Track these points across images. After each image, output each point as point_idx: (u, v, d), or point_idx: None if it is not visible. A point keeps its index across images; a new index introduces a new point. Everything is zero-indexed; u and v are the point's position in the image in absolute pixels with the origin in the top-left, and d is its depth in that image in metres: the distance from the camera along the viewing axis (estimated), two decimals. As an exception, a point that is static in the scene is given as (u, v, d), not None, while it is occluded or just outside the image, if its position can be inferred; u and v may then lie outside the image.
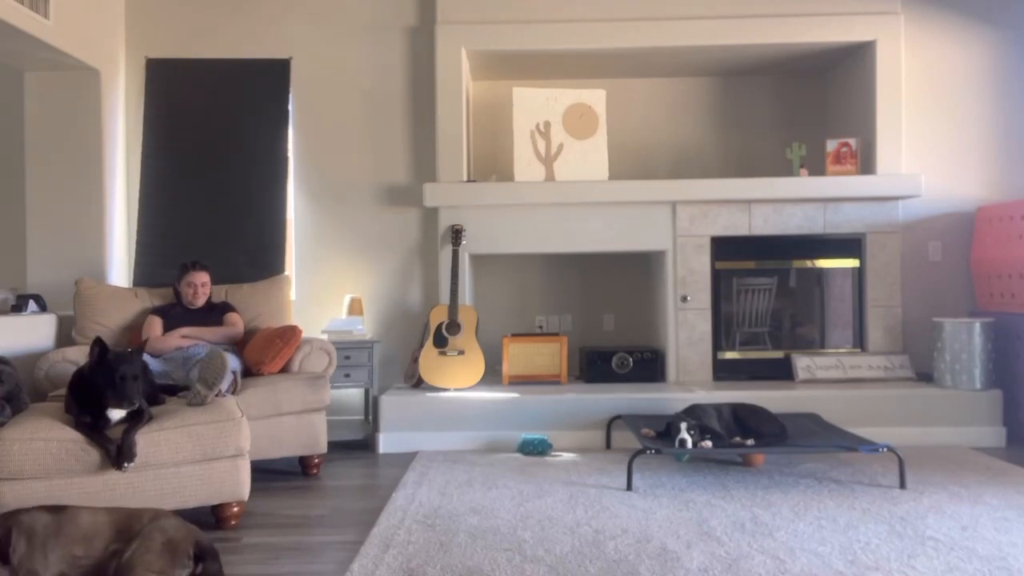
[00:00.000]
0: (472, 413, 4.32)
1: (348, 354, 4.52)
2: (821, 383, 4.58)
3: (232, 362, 3.65)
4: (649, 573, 2.49)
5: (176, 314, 4.09)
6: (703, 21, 4.77)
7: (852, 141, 4.82)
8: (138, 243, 4.69)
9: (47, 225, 4.75)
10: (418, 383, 4.59)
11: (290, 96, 4.92)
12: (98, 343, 2.86)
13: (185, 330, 3.98)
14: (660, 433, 3.71)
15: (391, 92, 5.11)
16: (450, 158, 4.84)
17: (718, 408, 3.80)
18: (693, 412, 3.72)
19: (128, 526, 2.34)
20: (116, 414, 2.85)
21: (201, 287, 4.12)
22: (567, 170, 4.83)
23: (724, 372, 4.80)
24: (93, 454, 2.77)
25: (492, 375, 4.90)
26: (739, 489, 3.40)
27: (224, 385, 3.22)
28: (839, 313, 4.94)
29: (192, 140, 4.82)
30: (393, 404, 4.34)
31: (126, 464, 2.77)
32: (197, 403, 3.06)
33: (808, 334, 4.97)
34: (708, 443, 3.52)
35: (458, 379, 4.53)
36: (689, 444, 3.50)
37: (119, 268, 4.96)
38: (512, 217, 4.79)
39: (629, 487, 3.44)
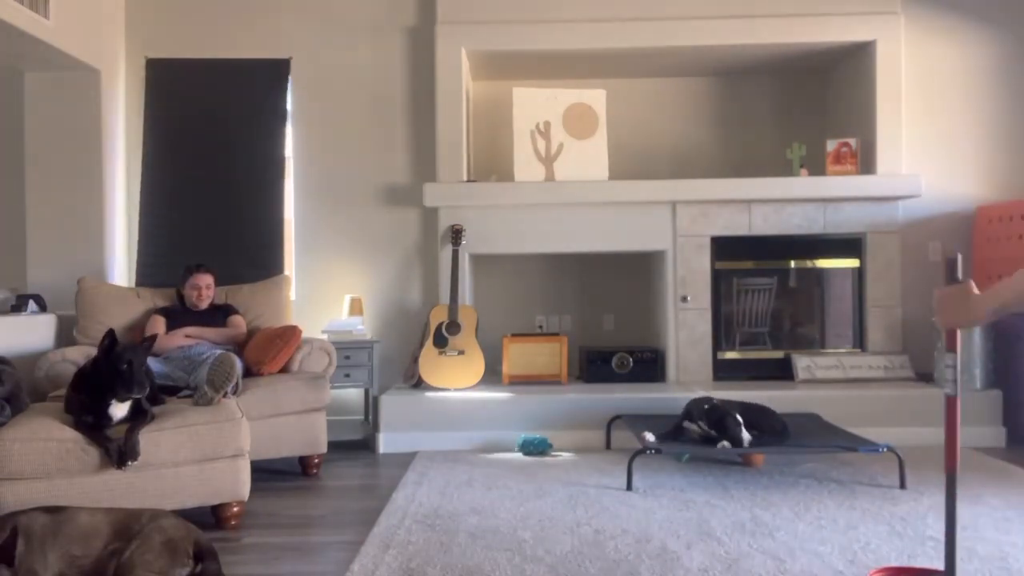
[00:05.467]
0: (472, 413, 4.32)
1: (348, 354, 4.51)
2: (821, 383, 4.58)
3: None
4: (649, 573, 2.49)
5: (180, 315, 4.09)
6: (703, 21, 4.77)
7: (852, 141, 4.82)
8: (139, 243, 4.69)
9: (47, 225, 4.75)
10: (418, 383, 4.59)
11: (290, 96, 4.92)
12: (109, 335, 2.87)
13: (189, 330, 3.99)
14: (667, 434, 3.71)
15: (391, 92, 5.11)
16: (450, 158, 4.84)
17: (727, 404, 3.79)
18: (710, 401, 3.70)
19: (127, 526, 2.34)
20: (118, 413, 2.85)
21: (205, 289, 4.12)
22: (567, 170, 4.83)
23: (724, 372, 4.80)
24: (93, 454, 2.77)
25: (492, 375, 4.90)
26: (739, 489, 3.40)
27: (230, 387, 3.23)
28: (839, 313, 4.94)
29: (192, 140, 4.82)
30: (393, 404, 4.34)
31: (129, 462, 2.77)
32: (204, 403, 3.07)
33: (808, 334, 4.97)
34: (727, 443, 3.51)
35: (458, 379, 4.53)
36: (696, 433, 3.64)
37: (119, 268, 4.96)
38: (512, 217, 4.79)
39: (629, 487, 3.44)
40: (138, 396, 2.85)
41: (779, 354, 4.86)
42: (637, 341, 5.21)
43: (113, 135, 4.93)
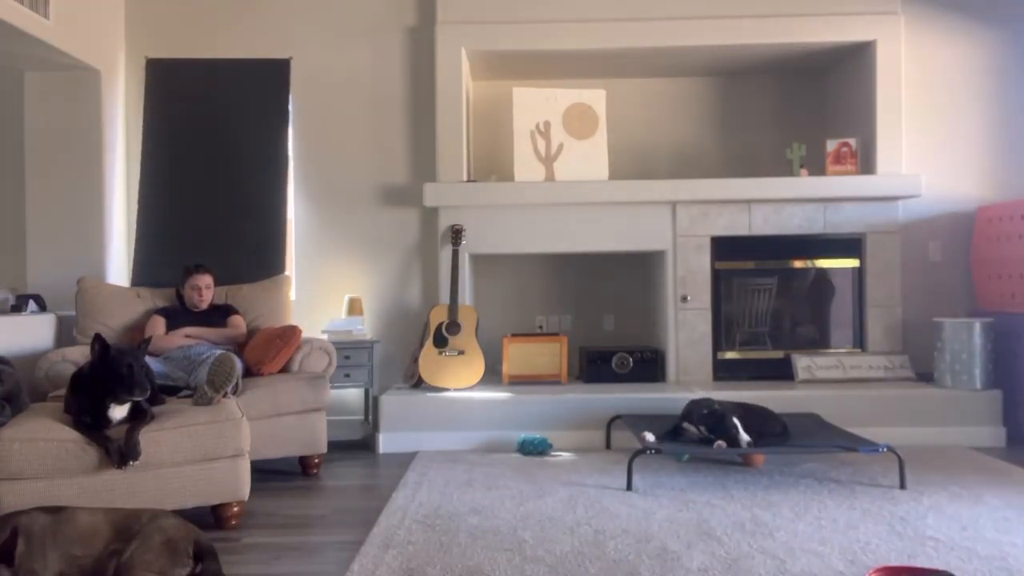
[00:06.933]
0: (472, 413, 4.31)
1: (348, 354, 4.52)
2: (821, 383, 4.58)
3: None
4: (649, 573, 2.49)
5: (179, 315, 4.09)
6: (703, 21, 4.77)
7: (852, 141, 4.82)
8: (137, 243, 4.68)
9: (47, 225, 4.75)
10: (418, 383, 4.59)
11: (290, 96, 4.92)
12: (98, 339, 2.86)
13: (188, 330, 3.99)
14: (667, 434, 3.72)
15: (391, 92, 5.11)
16: (450, 158, 4.84)
17: (723, 405, 3.79)
18: (710, 405, 3.70)
19: (127, 526, 2.34)
20: (118, 413, 2.85)
21: (205, 289, 4.12)
22: (567, 170, 4.83)
23: (724, 372, 4.80)
24: (93, 454, 2.77)
25: (492, 375, 4.90)
26: (739, 489, 3.40)
27: (230, 387, 3.22)
28: (839, 313, 4.93)
29: (192, 140, 4.82)
30: (393, 404, 4.34)
31: (131, 462, 2.77)
32: (204, 403, 3.07)
33: (808, 334, 4.97)
34: (722, 443, 3.52)
35: (458, 379, 4.53)
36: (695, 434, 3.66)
37: (119, 268, 4.96)
38: (512, 217, 4.79)
39: (629, 487, 3.44)
40: (139, 399, 2.85)
41: (779, 354, 4.86)
42: (637, 341, 5.21)
43: (113, 135, 4.93)
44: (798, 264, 4.88)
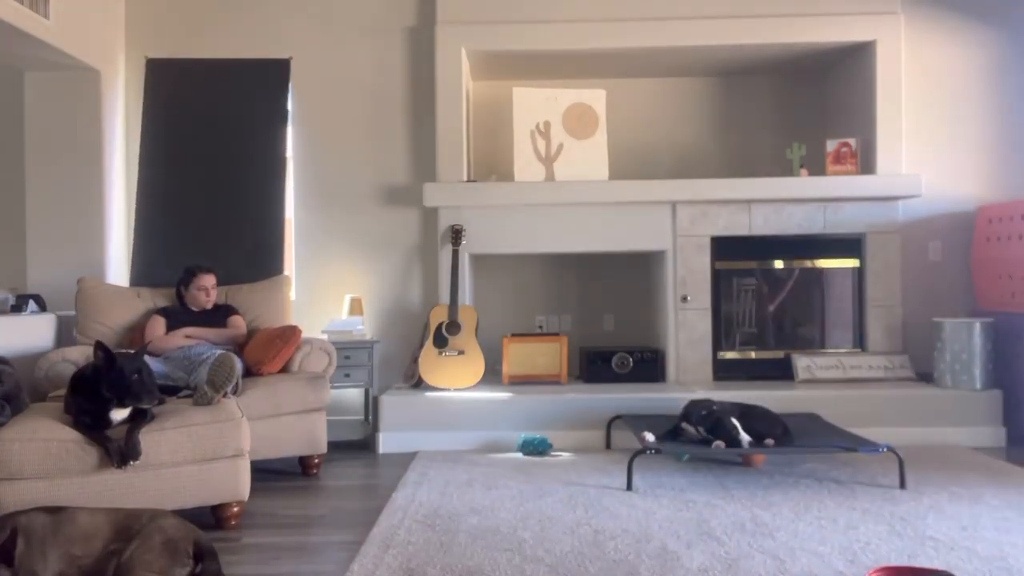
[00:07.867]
0: (472, 413, 4.31)
1: (348, 354, 4.52)
2: (821, 383, 4.58)
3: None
4: (649, 573, 2.48)
5: (179, 315, 4.09)
6: (703, 21, 4.77)
7: (852, 141, 4.82)
8: (135, 243, 4.68)
9: (47, 225, 4.76)
10: (418, 383, 4.59)
11: (290, 96, 4.92)
12: (100, 347, 2.86)
13: (188, 330, 3.99)
14: (666, 434, 3.72)
15: (391, 92, 5.11)
16: (450, 158, 4.84)
17: (723, 406, 3.78)
18: (708, 407, 3.69)
19: (127, 526, 2.34)
20: (118, 414, 2.85)
21: (212, 289, 4.14)
22: (567, 170, 4.83)
23: (724, 372, 4.80)
24: (93, 454, 2.77)
25: (492, 375, 4.90)
26: (739, 489, 3.40)
27: (230, 387, 3.23)
28: (839, 313, 4.93)
29: (192, 140, 4.82)
30: (393, 404, 4.34)
31: (131, 462, 2.77)
32: (203, 403, 3.07)
33: (808, 334, 4.97)
34: (721, 443, 3.51)
35: (458, 379, 4.53)
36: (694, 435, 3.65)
37: (119, 268, 4.96)
38: (512, 217, 4.79)
39: (629, 487, 3.44)
40: (148, 406, 2.87)
41: (779, 354, 4.86)
42: (637, 341, 5.21)
43: (113, 135, 4.93)
44: (798, 264, 4.88)
